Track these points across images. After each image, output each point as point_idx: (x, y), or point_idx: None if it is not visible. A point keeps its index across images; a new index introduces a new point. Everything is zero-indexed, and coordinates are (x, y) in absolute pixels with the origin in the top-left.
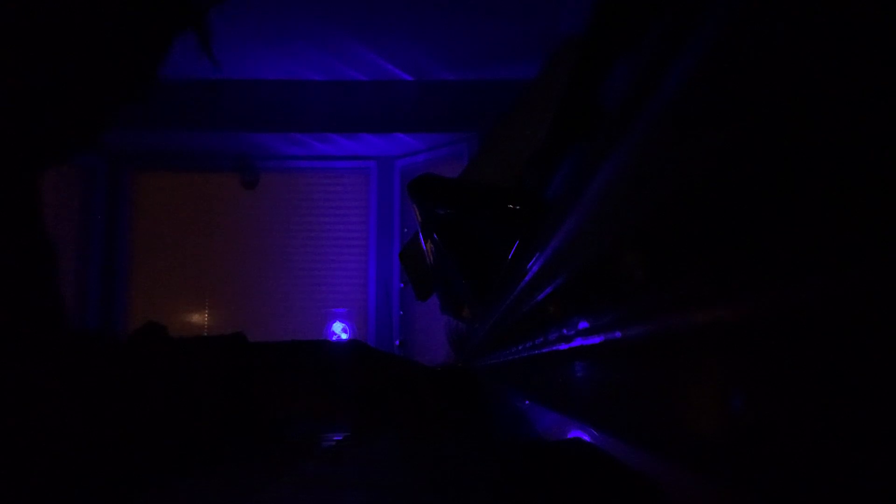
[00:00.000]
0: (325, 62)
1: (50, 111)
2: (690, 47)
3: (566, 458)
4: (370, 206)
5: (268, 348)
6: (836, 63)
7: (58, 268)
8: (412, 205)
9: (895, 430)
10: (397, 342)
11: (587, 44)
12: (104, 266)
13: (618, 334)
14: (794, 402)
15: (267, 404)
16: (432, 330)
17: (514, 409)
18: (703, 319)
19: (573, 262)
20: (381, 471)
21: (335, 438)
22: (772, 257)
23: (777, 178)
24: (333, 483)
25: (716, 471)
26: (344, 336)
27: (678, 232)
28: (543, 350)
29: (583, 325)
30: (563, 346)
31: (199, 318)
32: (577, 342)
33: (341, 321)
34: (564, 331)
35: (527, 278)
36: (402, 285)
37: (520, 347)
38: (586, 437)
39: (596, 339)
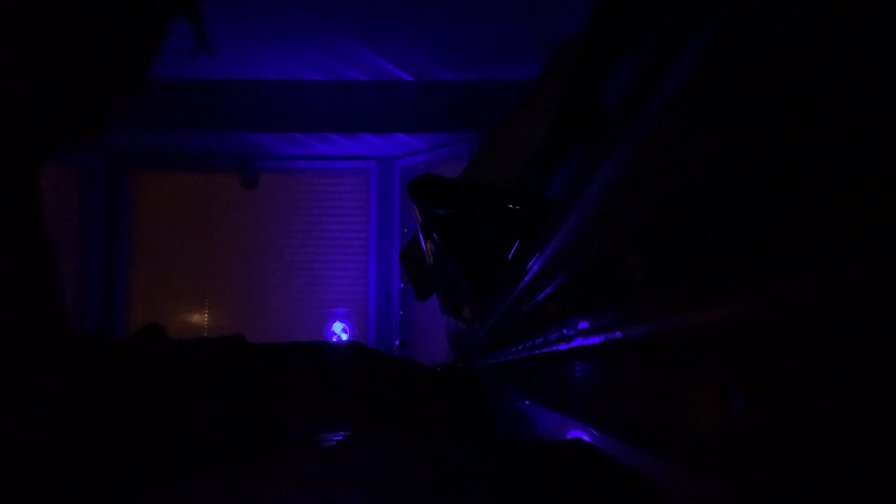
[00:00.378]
0: (325, 62)
1: (50, 111)
2: (690, 47)
3: (566, 459)
4: (370, 206)
5: (268, 349)
6: (837, 63)
7: (58, 268)
8: (412, 205)
9: (895, 430)
10: (397, 342)
11: (587, 44)
12: (104, 266)
13: (618, 334)
14: (794, 402)
15: (267, 404)
16: (432, 330)
17: (513, 409)
18: (703, 319)
19: (573, 262)
20: (381, 471)
21: (335, 438)
22: (772, 257)
23: (777, 178)
24: (333, 483)
25: (716, 471)
26: (344, 336)
27: (678, 232)
28: (543, 350)
29: (583, 325)
30: (563, 346)
31: (199, 319)
32: (577, 342)
33: (341, 321)
34: (564, 331)
35: (527, 278)
36: (402, 285)
37: (520, 347)
38: (586, 438)
39: (596, 339)
